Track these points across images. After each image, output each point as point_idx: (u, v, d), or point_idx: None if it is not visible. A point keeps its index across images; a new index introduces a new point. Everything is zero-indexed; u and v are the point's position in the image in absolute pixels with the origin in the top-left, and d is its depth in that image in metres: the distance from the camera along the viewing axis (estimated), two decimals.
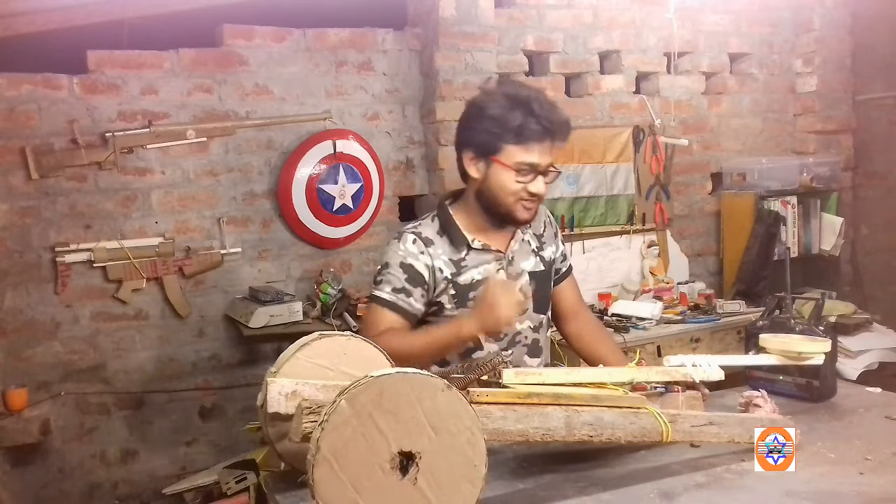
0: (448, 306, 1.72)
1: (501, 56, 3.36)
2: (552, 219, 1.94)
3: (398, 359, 1.45)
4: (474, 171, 1.71)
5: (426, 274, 1.71)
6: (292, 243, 3.25)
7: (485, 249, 1.75)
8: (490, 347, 1.72)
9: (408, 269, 1.71)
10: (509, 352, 1.75)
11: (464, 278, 1.73)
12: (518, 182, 1.67)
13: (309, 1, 3.14)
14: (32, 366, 2.88)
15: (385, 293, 1.71)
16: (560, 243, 1.93)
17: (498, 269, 1.75)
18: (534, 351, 1.81)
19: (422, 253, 1.72)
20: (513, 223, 1.74)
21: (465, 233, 1.75)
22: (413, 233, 1.75)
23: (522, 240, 1.82)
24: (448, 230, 1.75)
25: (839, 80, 4.01)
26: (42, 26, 2.64)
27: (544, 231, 1.89)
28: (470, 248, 1.74)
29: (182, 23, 3.00)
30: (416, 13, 3.43)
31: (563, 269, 1.93)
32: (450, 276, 1.72)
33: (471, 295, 1.72)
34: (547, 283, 1.85)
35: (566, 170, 3.48)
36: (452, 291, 1.72)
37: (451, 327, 1.62)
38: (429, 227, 1.77)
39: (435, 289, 1.73)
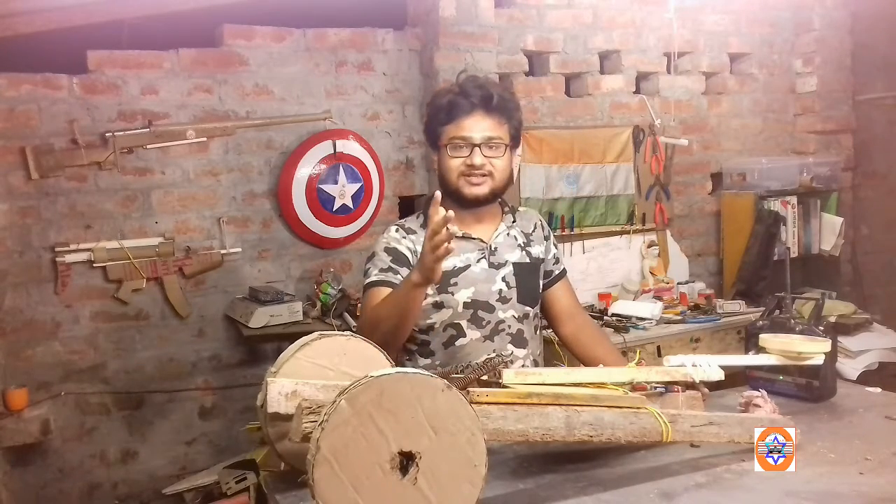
0: (430, 291, 1.74)
1: (501, 56, 3.36)
2: (544, 223, 1.98)
3: (377, 323, 1.61)
4: (435, 164, 1.83)
5: (409, 255, 1.78)
6: (292, 243, 3.25)
7: (465, 237, 1.79)
8: (472, 335, 1.76)
9: (392, 251, 1.79)
10: (509, 353, 1.76)
11: (445, 264, 1.69)
12: (455, 158, 1.74)
13: (309, 1, 3.14)
14: (32, 366, 2.88)
15: (373, 276, 1.77)
16: (552, 247, 1.95)
17: (479, 259, 1.79)
18: (518, 341, 1.82)
19: (404, 238, 1.81)
20: (465, 202, 1.76)
21: None
22: (396, 224, 1.87)
23: (508, 234, 1.85)
24: (430, 221, 1.75)
25: (839, 80, 4.01)
26: (42, 26, 2.64)
27: (533, 231, 1.92)
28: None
29: (182, 23, 3.00)
30: (416, 13, 3.43)
31: (556, 272, 1.94)
32: None
33: (452, 281, 1.76)
34: (532, 277, 1.86)
35: (566, 170, 3.49)
36: None
37: (405, 281, 1.62)
38: (413, 221, 1.87)
39: None
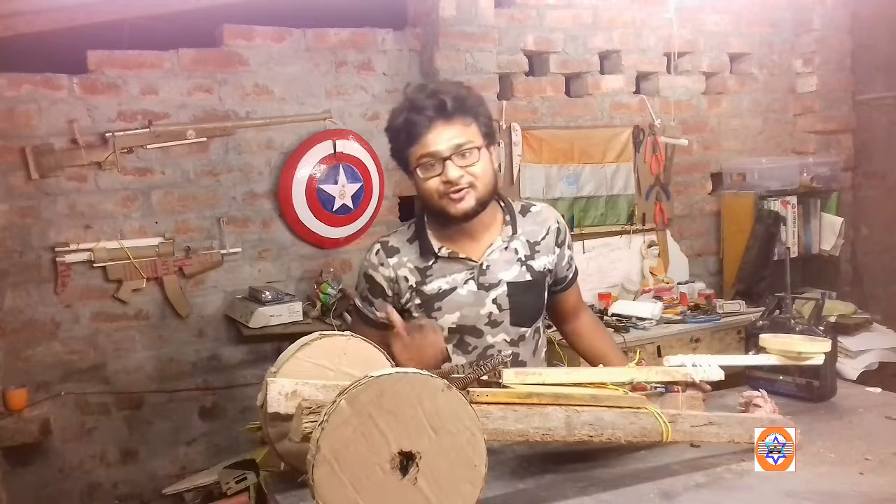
0: (415, 315, 1.68)
1: (501, 56, 3.36)
2: (562, 225, 1.80)
3: None
4: (415, 189, 1.68)
5: (385, 285, 1.70)
6: (292, 243, 3.25)
7: (452, 258, 1.68)
8: (458, 360, 1.67)
9: (369, 279, 1.72)
10: (509, 353, 1.69)
11: (430, 287, 1.67)
12: (428, 178, 1.59)
13: (309, 1, 3.15)
14: (32, 366, 2.88)
15: (357, 299, 1.78)
16: (567, 251, 1.80)
17: (466, 280, 1.68)
18: (514, 366, 1.71)
19: (381, 265, 1.70)
20: (454, 221, 1.63)
21: (434, 241, 1.69)
22: (381, 242, 1.74)
23: (506, 248, 1.70)
24: (419, 237, 1.71)
25: (839, 80, 4.01)
26: (42, 26, 2.64)
27: (543, 238, 1.75)
28: (437, 256, 1.68)
29: (182, 23, 3.00)
30: (416, 13, 3.43)
31: (570, 277, 1.84)
32: (414, 285, 1.68)
33: (436, 305, 1.67)
34: (531, 295, 1.73)
35: (566, 170, 3.49)
36: (418, 300, 1.68)
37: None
38: (402, 234, 1.74)
39: (400, 297, 1.70)
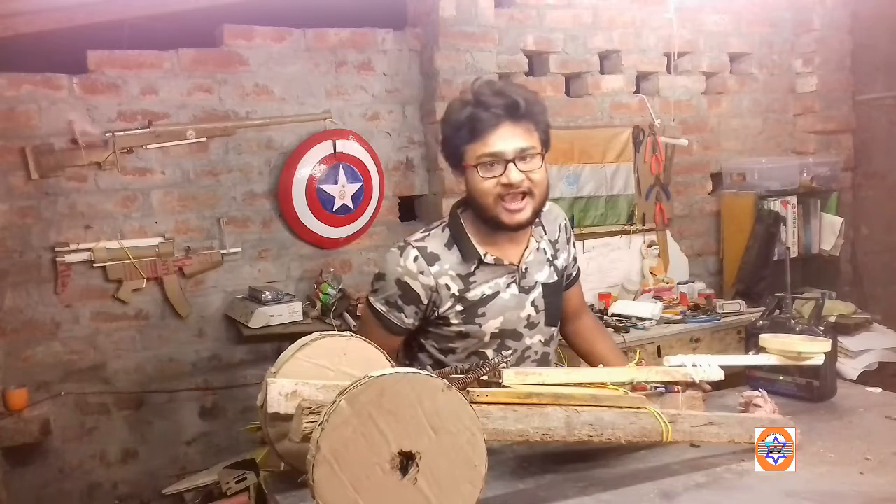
0: (455, 321, 1.63)
1: (501, 56, 3.36)
2: (568, 223, 1.82)
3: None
4: (462, 183, 1.64)
5: (423, 294, 1.61)
6: (292, 243, 3.25)
7: (497, 264, 1.64)
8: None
9: (403, 286, 1.61)
10: (509, 353, 1.70)
11: (472, 294, 1.62)
12: (487, 179, 1.54)
13: (309, 1, 3.14)
14: (32, 366, 2.88)
15: (379, 303, 1.65)
16: (572, 248, 1.82)
17: (508, 284, 1.65)
18: (543, 364, 1.74)
19: (422, 273, 1.60)
20: (503, 228, 1.59)
21: (477, 246, 1.63)
22: (417, 247, 1.62)
23: (538, 248, 1.70)
24: (459, 242, 1.63)
25: (839, 80, 4.01)
26: (42, 26, 2.64)
27: (559, 237, 1.77)
28: (482, 262, 1.63)
29: (182, 23, 3.00)
30: (416, 13, 3.43)
31: (574, 274, 1.85)
32: (457, 293, 1.62)
33: (480, 311, 1.62)
34: (559, 295, 1.74)
35: (566, 170, 3.49)
36: (460, 307, 1.62)
37: None
38: (437, 238, 1.65)
39: (439, 305, 1.63)
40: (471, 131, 1.54)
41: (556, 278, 1.73)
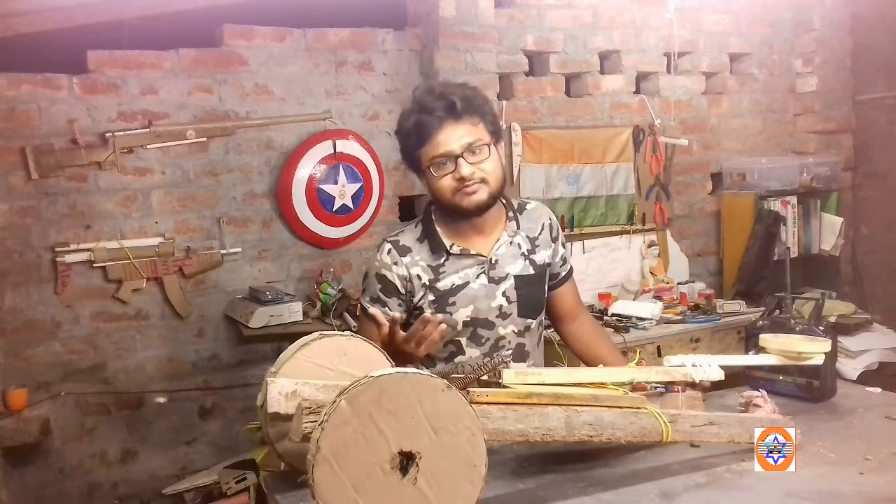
0: (428, 311, 1.71)
1: (501, 56, 3.36)
2: (554, 222, 1.88)
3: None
4: (425, 186, 1.76)
5: (399, 284, 1.73)
6: (292, 243, 3.25)
7: (464, 254, 1.74)
8: (471, 352, 1.74)
9: (382, 279, 1.74)
10: (508, 353, 1.75)
11: (442, 284, 1.73)
12: (442, 177, 1.66)
13: (309, 1, 3.15)
14: (32, 366, 2.88)
15: (366, 301, 1.78)
16: (560, 247, 1.88)
17: (478, 274, 1.74)
18: (519, 355, 1.79)
19: (395, 264, 1.74)
20: (467, 214, 1.70)
21: (444, 238, 1.75)
22: (391, 241, 1.77)
23: (510, 242, 1.78)
24: (429, 236, 1.76)
25: (839, 80, 4.02)
26: (42, 26, 2.64)
27: (540, 234, 1.84)
28: (449, 253, 1.74)
29: (182, 23, 3.00)
30: (416, 13, 3.43)
31: (563, 273, 1.90)
32: (428, 283, 1.73)
33: (450, 300, 1.72)
34: (535, 288, 1.81)
35: (566, 170, 3.49)
36: (431, 297, 1.73)
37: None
38: (410, 233, 1.79)
39: (413, 294, 1.74)
40: (419, 136, 1.66)
41: (531, 272, 1.79)
